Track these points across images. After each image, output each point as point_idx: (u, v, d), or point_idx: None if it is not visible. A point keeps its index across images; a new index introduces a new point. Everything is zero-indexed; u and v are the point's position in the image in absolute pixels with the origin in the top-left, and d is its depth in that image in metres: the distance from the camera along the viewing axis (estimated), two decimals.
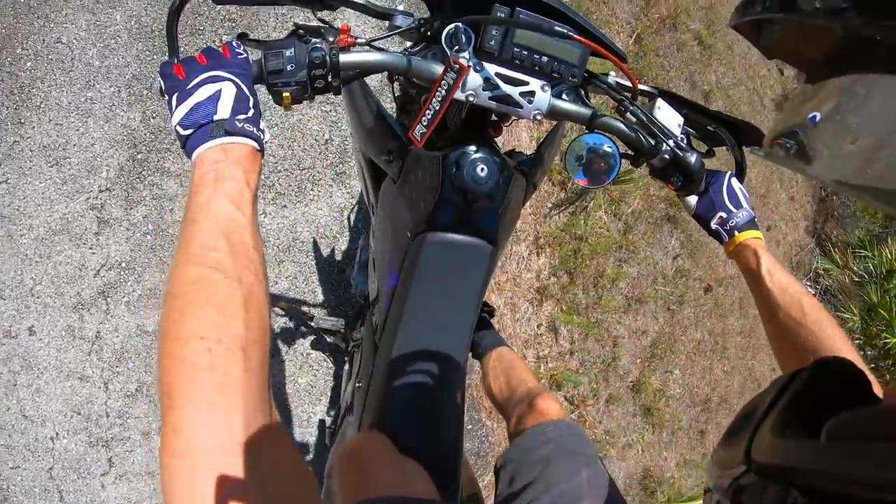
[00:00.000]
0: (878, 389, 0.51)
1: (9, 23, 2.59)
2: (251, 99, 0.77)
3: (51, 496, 2.25)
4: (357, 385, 1.40)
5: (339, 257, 2.58)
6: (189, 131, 0.73)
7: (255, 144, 0.74)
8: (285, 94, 0.83)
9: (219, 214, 0.65)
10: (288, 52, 0.81)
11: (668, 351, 3.65)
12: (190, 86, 0.75)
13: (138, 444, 2.31)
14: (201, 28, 2.61)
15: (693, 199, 1.13)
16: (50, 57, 2.54)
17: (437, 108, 0.89)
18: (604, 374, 3.27)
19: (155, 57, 2.56)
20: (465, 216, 1.04)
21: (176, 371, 0.55)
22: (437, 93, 0.88)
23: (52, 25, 2.61)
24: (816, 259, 6.11)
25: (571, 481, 1.09)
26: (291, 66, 0.81)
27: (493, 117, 1.17)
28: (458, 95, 0.91)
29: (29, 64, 2.52)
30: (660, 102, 1.04)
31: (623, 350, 3.36)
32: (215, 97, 0.73)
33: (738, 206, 1.10)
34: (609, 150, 1.02)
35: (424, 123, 0.91)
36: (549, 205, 3.19)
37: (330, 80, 0.86)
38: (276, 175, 2.58)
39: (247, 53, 0.81)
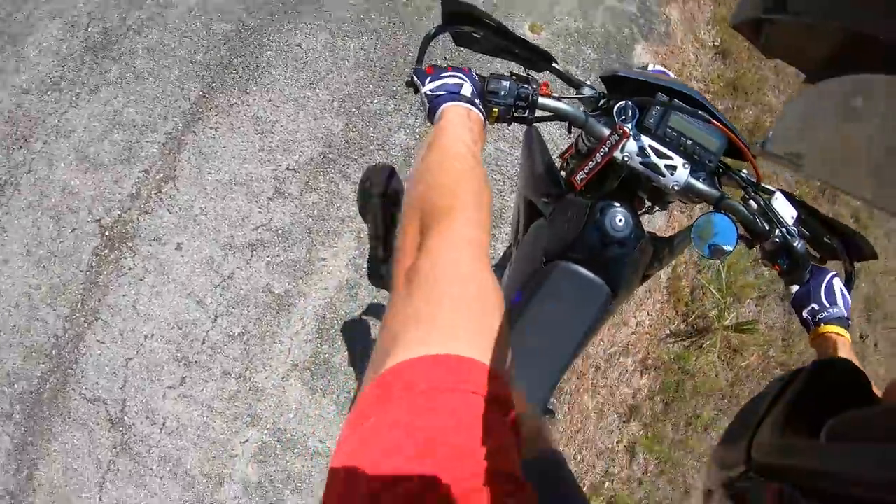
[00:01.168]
0: (877, 390, 0.51)
1: (264, 17, 3.08)
2: (479, 99, 1.00)
3: (116, 380, 2.43)
4: None
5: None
6: (440, 93, 0.96)
7: (483, 118, 0.96)
8: (495, 110, 1.06)
9: (462, 138, 0.85)
10: (505, 83, 1.06)
11: None
12: (441, 74, 1.00)
13: (215, 378, 2.45)
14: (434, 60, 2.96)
15: (794, 289, 1.20)
16: (287, 54, 2.98)
17: (599, 160, 1.11)
18: None
19: (370, 86, 2.92)
20: (595, 255, 1.19)
21: (453, 192, 0.72)
22: (601, 149, 1.10)
23: (296, 32, 3.08)
24: None
25: None
26: (504, 92, 1.06)
27: (641, 193, 1.32)
28: (617, 154, 1.11)
29: (269, 53, 2.98)
30: (777, 195, 1.17)
31: (693, 500, 3.15)
32: (459, 85, 0.97)
33: (832, 303, 1.15)
34: (724, 227, 1.11)
35: (586, 171, 1.14)
36: (667, 331, 3.19)
37: (527, 113, 1.10)
38: None
39: (478, 77, 1.05)
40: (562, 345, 1.20)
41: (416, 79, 1.03)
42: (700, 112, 1.09)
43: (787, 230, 1.13)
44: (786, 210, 1.16)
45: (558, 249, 1.22)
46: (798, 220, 1.18)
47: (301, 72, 2.94)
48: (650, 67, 1.82)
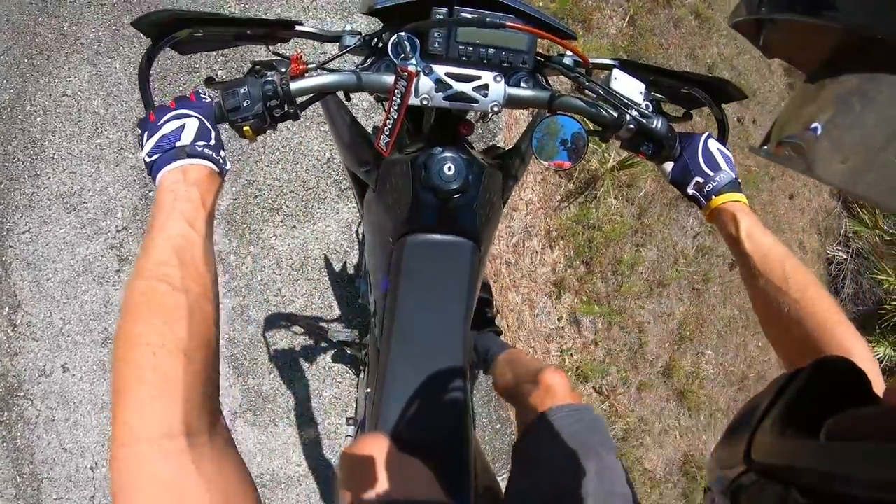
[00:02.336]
0: (878, 389, 0.50)
1: (17, 83, 2.72)
2: (213, 132, 0.84)
3: None
4: (366, 391, 1.42)
5: (350, 271, 2.62)
6: (155, 156, 0.80)
7: (214, 167, 0.81)
8: (245, 128, 0.88)
9: (173, 232, 0.71)
10: (242, 90, 0.87)
11: (698, 332, 3.58)
12: (159, 123, 0.82)
13: None
14: (197, 66, 2.70)
15: (669, 166, 1.10)
16: (58, 110, 2.65)
17: (396, 116, 0.92)
18: (632, 361, 3.22)
19: (156, 97, 2.61)
20: (440, 215, 1.06)
21: (124, 372, 0.61)
22: (393, 101, 0.91)
23: (56, 80, 2.72)
24: (844, 222, 5.94)
25: (578, 477, 1.06)
26: (247, 102, 0.87)
27: (465, 119, 1.19)
28: (413, 101, 0.94)
29: (39, 119, 2.64)
30: (616, 73, 1.03)
31: (650, 335, 3.31)
32: (179, 129, 0.81)
33: (715, 168, 1.05)
34: (569, 126, 1.01)
35: (387, 133, 0.94)
36: (558, 197, 3.17)
37: (287, 108, 0.91)
38: (282, 198, 2.63)
39: (210, 97, 0.88)
40: (451, 313, 1.09)
41: (139, 135, 0.86)
42: (489, 18, 0.87)
43: (639, 111, 1.01)
44: (630, 86, 1.02)
45: (399, 224, 1.09)
46: (647, 90, 1.05)
47: (79, 122, 2.62)
48: None
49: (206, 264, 0.72)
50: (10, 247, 2.42)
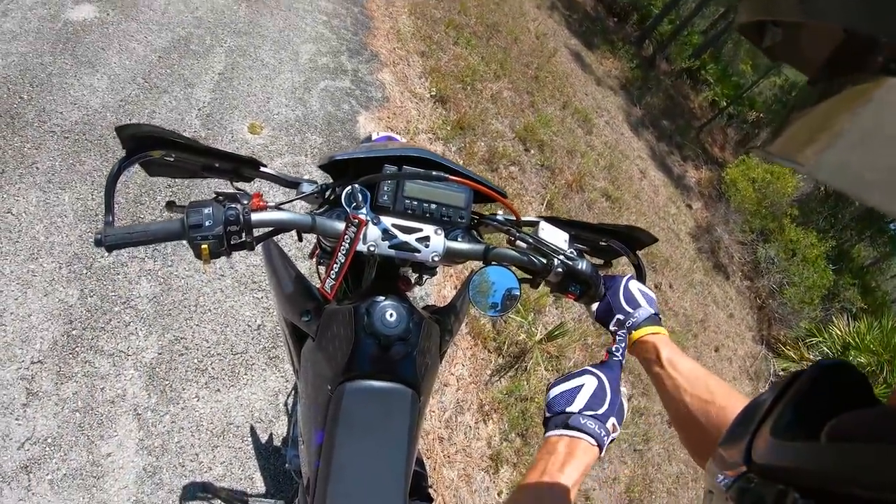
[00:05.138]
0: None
1: None
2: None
3: None
4: None
5: (276, 442, 2.47)
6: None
7: None
8: (203, 247, 0.90)
9: None
10: (206, 210, 0.90)
11: (647, 493, 3.52)
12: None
13: None
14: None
15: (594, 306, 1.16)
16: None
17: (343, 260, 0.97)
18: None
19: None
20: (380, 362, 1.05)
21: None
22: (342, 246, 0.97)
23: (4, 196, 2.66)
24: (772, 363, 6.16)
25: None
26: (209, 222, 0.90)
27: (404, 272, 1.25)
28: (361, 247, 1.00)
29: None
30: (542, 224, 1.11)
31: (596, 501, 3.21)
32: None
33: (635, 306, 1.12)
34: (502, 277, 1.07)
35: (333, 276, 0.99)
36: (489, 372, 3.18)
37: (244, 236, 0.95)
38: (209, 359, 2.54)
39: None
40: (390, 462, 1.05)
41: (106, 235, 0.88)
42: (434, 172, 0.96)
43: (566, 256, 1.10)
44: (556, 236, 1.12)
45: (339, 371, 1.06)
46: (571, 240, 1.14)
47: (17, 243, 2.53)
48: (374, 136, 1.74)
49: None
50: None
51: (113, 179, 0.93)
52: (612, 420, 0.90)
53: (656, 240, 1.20)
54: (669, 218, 7.46)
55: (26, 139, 2.95)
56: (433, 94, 4.96)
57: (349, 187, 0.99)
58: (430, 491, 2.34)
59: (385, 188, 1.02)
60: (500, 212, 1.17)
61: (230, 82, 3.88)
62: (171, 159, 0.98)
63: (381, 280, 1.17)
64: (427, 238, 1.04)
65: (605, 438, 0.88)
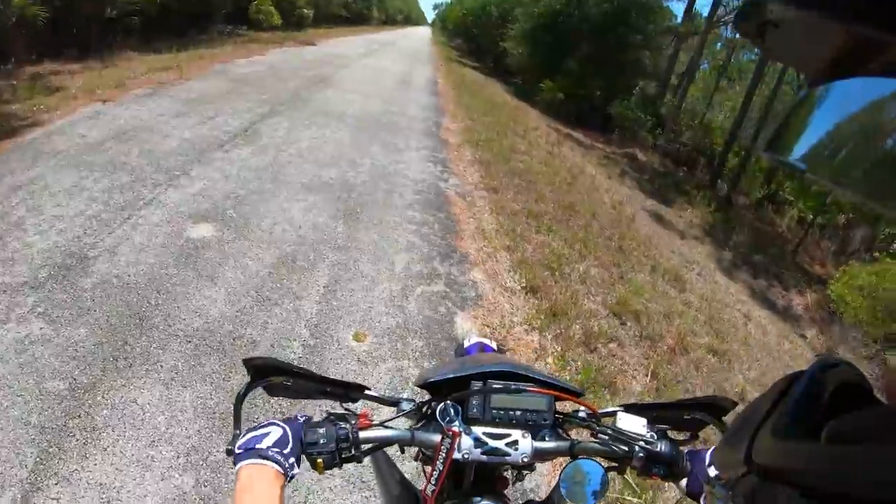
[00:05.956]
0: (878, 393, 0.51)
1: (97, 374, 3.04)
2: (290, 443, 1.02)
3: None
4: None
5: None
6: (239, 451, 0.99)
7: (279, 469, 0.98)
8: (319, 461, 1.05)
9: None
10: (321, 430, 1.05)
11: None
12: (255, 427, 1.04)
13: None
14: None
15: (684, 482, 1.17)
16: (124, 412, 2.88)
17: (441, 468, 1.07)
18: None
19: (213, 434, 2.89)
20: None
21: None
22: (439, 457, 1.07)
23: (131, 386, 3.02)
24: None
25: None
26: (324, 440, 1.04)
27: (503, 471, 1.34)
28: (456, 455, 1.09)
29: (105, 412, 2.86)
30: (620, 415, 1.19)
31: None
32: (264, 435, 1.01)
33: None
34: (590, 469, 1.13)
35: (433, 482, 1.09)
36: None
37: (353, 451, 1.08)
38: None
39: (300, 419, 1.10)
40: None
41: (231, 446, 1.04)
42: (514, 385, 1.12)
43: (644, 440, 1.15)
44: (634, 423, 1.18)
45: None
46: (651, 423, 1.19)
47: (140, 430, 2.81)
48: (466, 343, 1.94)
49: None
50: None
51: (240, 399, 1.10)
52: (293, 460, 1.00)
53: (737, 404, 1.23)
54: (785, 355, 7.13)
55: (153, 340, 3.38)
56: (523, 285, 5.12)
57: (442, 404, 1.11)
58: None
59: (474, 401, 1.14)
60: (580, 410, 1.26)
61: (334, 294, 4.26)
62: (289, 384, 1.14)
63: (479, 481, 1.27)
64: (516, 442, 1.13)
65: (290, 470, 0.99)
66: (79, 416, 2.83)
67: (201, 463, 2.79)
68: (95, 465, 2.66)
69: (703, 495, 0.79)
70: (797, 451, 0.45)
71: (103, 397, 2.96)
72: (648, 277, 6.59)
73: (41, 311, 3.40)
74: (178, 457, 2.78)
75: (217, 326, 3.65)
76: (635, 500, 3.35)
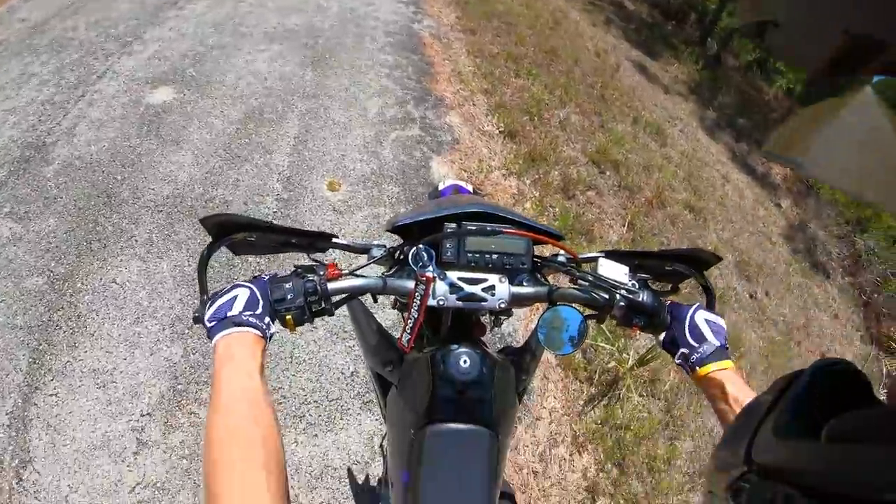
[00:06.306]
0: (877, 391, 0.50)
1: (73, 261, 2.97)
2: (261, 302, 0.99)
3: None
4: None
5: (373, 482, 2.55)
6: (212, 323, 0.95)
7: (258, 332, 0.95)
8: (288, 317, 1.01)
9: (237, 384, 0.87)
10: (287, 285, 1.01)
11: None
12: (219, 293, 1.00)
13: None
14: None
15: (662, 335, 1.15)
16: (105, 293, 2.84)
17: (416, 315, 1.04)
18: None
19: (195, 302, 2.76)
20: (458, 406, 1.10)
21: (220, 482, 0.76)
22: (413, 304, 1.04)
23: (108, 267, 2.95)
24: (884, 363, 5.85)
25: None
26: (291, 295, 1.01)
27: (480, 317, 1.31)
28: (431, 302, 1.06)
29: (87, 297, 2.82)
30: (601, 261, 1.15)
31: None
32: (231, 300, 0.97)
33: (700, 340, 1.10)
34: (568, 316, 1.09)
35: (408, 331, 1.06)
36: (581, 402, 3.14)
37: (323, 304, 1.04)
38: (306, 407, 2.67)
39: (265, 276, 1.06)
40: (474, 499, 1.10)
41: (202, 313, 0.99)
42: (489, 227, 1.06)
43: (626, 289, 1.12)
44: (615, 270, 1.14)
45: (420, 415, 1.13)
46: (633, 271, 1.16)
47: (123, 308, 2.79)
48: (441, 186, 1.83)
49: (267, 404, 0.87)
50: (35, 404, 2.46)
51: (203, 262, 1.06)
52: (268, 319, 0.98)
53: (720, 259, 1.19)
54: (758, 221, 7.16)
55: (123, 215, 3.26)
56: (501, 129, 5.02)
57: (414, 248, 1.06)
58: None
59: (448, 245, 1.09)
60: (560, 255, 1.21)
61: (305, 144, 4.11)
62: (253, 239, 1.10)
63: (456, 327, 1.23)
64: (492, 287, 1.09)
65: (268, 330, 0.97)
66: (62, 307, 2.80)
67: (187, 332, 2.79)
68: (86, 352, 2.67)
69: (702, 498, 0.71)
70: (797, 449, 0.45)
71: (83, 283, 2.91)
72: (630, 129, 6.47)
73: (7, 212, 3.27)
74: (163, 329, 2.77)
75: (187, 191, 3.52)
76: (608, 346, 3.37)
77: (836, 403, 0.45)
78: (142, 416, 2.51)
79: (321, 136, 4.25)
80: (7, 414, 2.46)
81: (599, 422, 3.10)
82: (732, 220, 6.32)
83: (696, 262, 1.21)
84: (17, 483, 2.31)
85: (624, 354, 3.28)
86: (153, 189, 3.48)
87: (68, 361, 2.61)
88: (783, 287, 5.91)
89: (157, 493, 2.35)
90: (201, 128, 4.07)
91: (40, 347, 2.64)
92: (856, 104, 0.38)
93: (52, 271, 2.94)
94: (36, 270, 2.94)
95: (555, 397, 3.12)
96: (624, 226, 4.49)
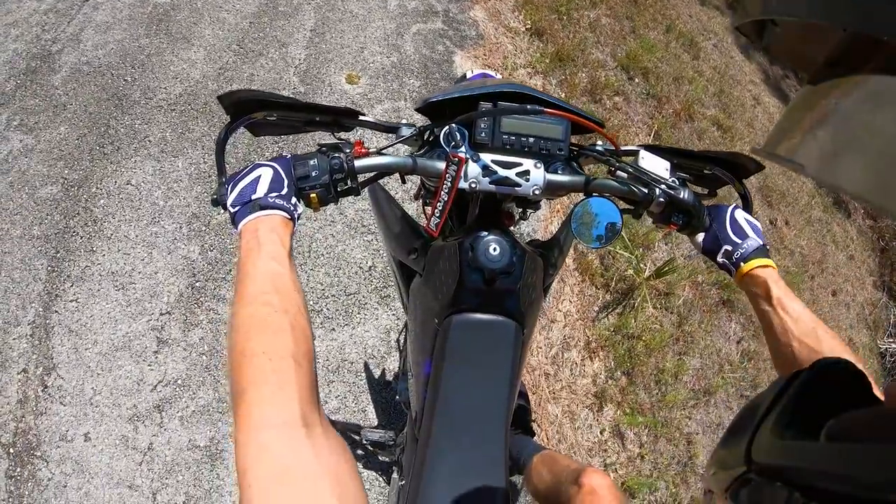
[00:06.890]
0: (877, 390, 0.50)
1: (87, 166, 2.92)
2: (285, 180, 0.93)
3: None
4: (400, 483, 1.36)
5: (388, 377, 2.57)
6: (236, 208, 0.90)
7: (286, 214, 0.90)
8: (312, 196, 0.96)
9: (265, 268, 0.82)
10: (312, 161, 0.96)
11: None
12: (239, 175, 0.94)
13: None
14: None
15: (700, 237, 1.11)
16: (121, 196, 2.81)
17: (446, 198, 0.99)
18: (681, 475, 2.98)
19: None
20: (485, 295, 1.07)
21: (246, 374, 0.71)
22: (444, 185, 0.98)
23: (122, 170, 2.91)
24: (892, 312, 5.75)
25: None
26: (316, 172, 0.95)
27: (506, 207, 1.25)
28: (462, 184, 1.00)
29: (102, 201, 2.79)
30: (643, 153, 1.08)
31: (699, 447, 3.10)
32: (255, 182, 0.91)
33: (743, 236, 1.07)
34: (602, 210, 1.03)
35: (437, 214, 1.00)
36: (596, 308, 3.13)
37: (350, 183, 0.99)
38: (324, 301, 2.66)
39: (287, 154, 0.99)
40: (494, 392, 1.08)
41: (221, 194, 0.95)
42: (529, 106, 0.95)
43: (667, 185, 1.05)
44: (657, 164, 1.07)
45: (445, 304, 1.09)
46: (673, 168, 1.09)
47: (139, 210, 2.76)
48: (469, 75, 1.74)
49: (296, 290, 0.84)
50: (56, 312, 2.49)
51: (221, 143, 1.00)
52: (294, 200, 0.93)
53: (763, 167, 1.13)
54: None
55: (136, 116, 3.18)
56: (528, 27, 4.76)
57: (447, 127, 0.99)
58: (533, 425, 2.38)
59: (482, 125, 1.01)
60: (599, 142, 1.12)
61: (322, 37, 3.93)
62: (273, 119, 1.03)
63: (484, 216, 1.18)
64: (527, 172, 1.02)
65: (295, 211, 0.92)
66: (77, 213, 2.79)
67: (204, 229, 2.78)
68: (104, 255, 2.68)
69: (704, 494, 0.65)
70: (797, 449, 0.44)
71: (97, 188, 2.88)
72: (662, 37, 6.07)
73: (18, 124, 3.18)
74: (180, 227, 2.76)
75: (200, 88, 3.41)
76: (626, 254, 3.33)
77: (836, 403, 0.45)
78: (161, 315, 2.54)
79: (339, 29, 4.04)
80: (29, 324, 2.49)
81: (612, 329, 3.11)
82: (759, 142, 5.79)
83: (737, 168, 1.14)
84: (42, 391, 2.37)
85: (641, 264, 3.25)
86: (165, 88, 3.36)
87: (87, 266, 2.62)
88: (803, 219, 5.73)
89: (178, 389, 2.40)
90: (212, 23, 3.88)
91: (58, 255, 2.65)
92: (856, 104, 0.37)
93: (65, 178, 2.89)
94: (50, 179, 2.89)
95: (570, 301, 3.11)
96: (650, 135, 4.34)
